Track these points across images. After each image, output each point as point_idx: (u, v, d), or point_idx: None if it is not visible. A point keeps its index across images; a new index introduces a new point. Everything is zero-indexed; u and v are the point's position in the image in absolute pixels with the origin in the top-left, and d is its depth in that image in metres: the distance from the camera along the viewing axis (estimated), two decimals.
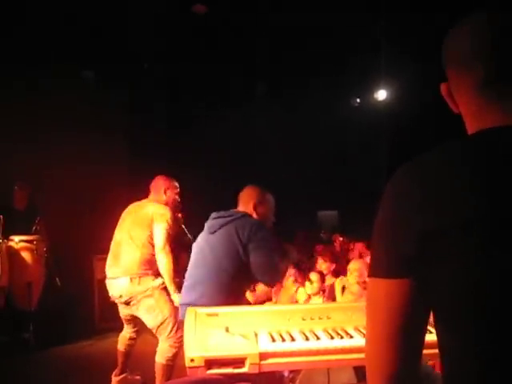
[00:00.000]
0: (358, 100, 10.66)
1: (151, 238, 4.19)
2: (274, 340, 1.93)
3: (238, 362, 1.81)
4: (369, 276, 1.10)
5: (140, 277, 4.17)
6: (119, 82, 7.56)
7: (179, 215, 4.70)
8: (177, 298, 4.06)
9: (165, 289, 4.22)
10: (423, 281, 1.03)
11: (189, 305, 3.07)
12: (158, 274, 4.23)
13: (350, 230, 9.67)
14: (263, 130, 9.45)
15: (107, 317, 6.05)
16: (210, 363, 1.79)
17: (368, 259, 5.91)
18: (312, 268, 5.74)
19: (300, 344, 1.91)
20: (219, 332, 1.91)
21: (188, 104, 8.95)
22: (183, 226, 4.72)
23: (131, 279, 4.16)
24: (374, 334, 1.08)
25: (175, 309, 4.14)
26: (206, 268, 3.16)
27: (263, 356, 1.82)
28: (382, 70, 9.85)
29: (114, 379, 4.62)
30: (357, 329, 2.06)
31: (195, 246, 3.40)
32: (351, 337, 1.97)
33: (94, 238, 6.14)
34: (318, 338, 1.95)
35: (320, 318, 2.13)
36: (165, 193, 4.42)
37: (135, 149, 7.80)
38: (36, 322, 6.00)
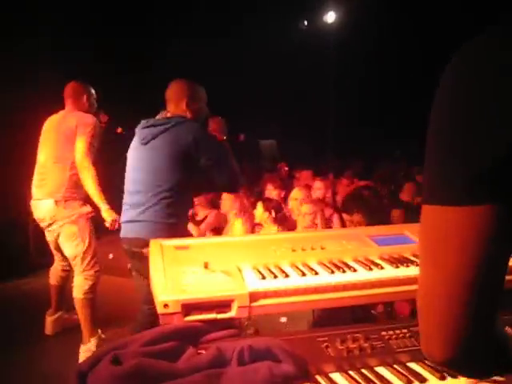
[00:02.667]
0: (306, 23, 10.16)
1: None
2: (263, 277, 1.56)
3: (223, 305, 1.45)
4: (430, 203, 0.74)
5: (66, 200, 3.85)
6: None
7: (105, 118, 4.40)
8: (107, 212, 3.81)
9: (91, 219, 3.96)
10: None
11: (129, 222, 2.92)
12: (86, 201, 3.93)
13: (291, 160, 9.52)
14: (211, 52, 8.87)
15: (43, 251, 5.58)
16: (189, 308, 1.42)
17: (317, 184, 5.69)
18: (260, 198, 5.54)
19: (296, 280, 1.56)
20: (196, 269, 1.53)
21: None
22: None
23: (56, 202, 3.84)
24: (438, 284, 0.75)
25: (95, 243, 3.96)
26: (143, 183, 2.89)
27: (253, 296, 1.47)
28: None
29: (49, 319, 4.36)
30: (357, 260, 1.73)
31: (129, 159, 3.09)
32: (354, 270, 1.64)
33: (24, 166, 5.57)
34: (315, 273, 1.61)
35: (313, 249, 1.78)
36: (87, 99, 4.06)
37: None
38: None
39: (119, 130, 4.39)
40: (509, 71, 0.67)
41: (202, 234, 5.04)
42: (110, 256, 5.36)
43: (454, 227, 0.73)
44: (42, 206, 3.91)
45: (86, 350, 3.79)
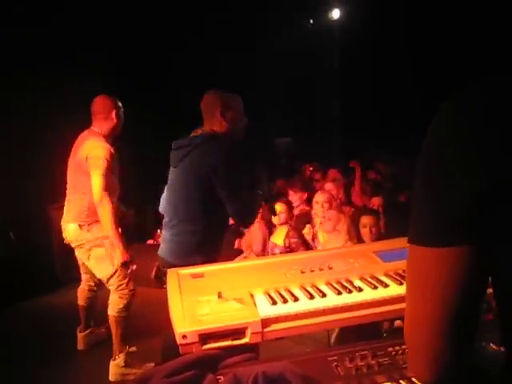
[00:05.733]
0: (312, 21, 10.23)
1: None
2: (274, 302, 1.67)
3: (238, 332, 1.56)
4: (412, 243, 0.87)
5: (89, 224, 3.91)
6: None
7: None
8: (121, 253, 3.78)
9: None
10: (485, 247, 0.81)
11: (164, 241, 3.06)
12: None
13: (305, 158, 9.53)
14: (215, 52, 8.93)
15: (69, 267, 5.72)
16: (205, 337, 1.53)
17: (328, 186, 5.77)
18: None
19: (304, 304, 1.66)
20: (210, 298, 1.64)
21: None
22: None
23: (80, 226, 3.94)
24: (420, 316, 0.87)
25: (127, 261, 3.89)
26: (173, 207, 2.97)
27: (265, 323, 1.58)
28: None
29: (80, 335, 4.50)
30: (363, 278, 1.83)
31: (169, 182, 3.14)
32: (360, 290, 1.73)
33: (48, 184, 5.70)
34: (323, 295, 1.71)
35: (321, 269, 1.88)
36: (116, 114, 3.98)
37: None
38: None
39: None
40: (472, 134, 0.78)
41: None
42: (134, 267, 5.50)
43: (433, 267, 0.84)
44: (69, 229, 4.03)
45: (115, 365, 3.94)
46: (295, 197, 5.51)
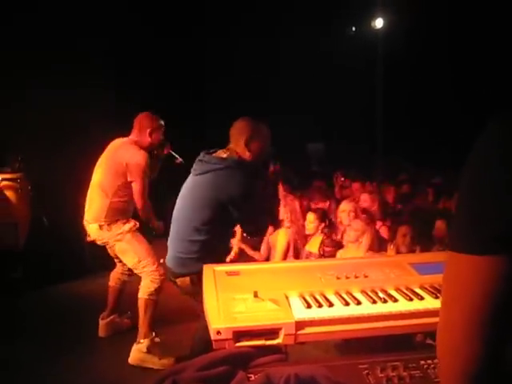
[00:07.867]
0: (354, 29, 10.21)
1: (123, 186, 4.13)
2: (309, 305, 1.68)
3: (271, 332, 1.57)
4: (452, 250, 0.88)
5: (109, 224, 4.17)
6: None
7: (165, 152, 4.53)
8: (153, 225, 4.34)
9: (138, 230, 4.25)
10: None
11: (173, 255, 3.07)
12: (128, 219, 4.25)
13: (337, 163, 9.47)
14: (258, 58, 8.99)
15: (98, 255, 5.82)
16: (239, 335, 1.54)
17: (364, 197, 5.72)
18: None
19: (339, 310, 1.66)
20: (246, 297, 1.66)
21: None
22: (171, 152, 4.56)
23: (100, 226, 4.18)
24: (455, 321, 0.88)
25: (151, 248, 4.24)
26: (183, 217, 3.01)
27: (299, 325, 1.58)
28: None
29: (102, 322, 4.57)
30: (399, 289, 1.82)
31: (183, 188, 3.17)
32: (395, 300, 1.73)
33: (81, 174, 5.82)
34: (358, 303, 1.71)
35: (356, 277, 1.88)
36: (150, 135, 4.25)
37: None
38: (24, 262, 5.81)
39: (178, 160, 4.47)
40: None
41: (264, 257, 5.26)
42: (161, 261, 5.59)
43: (472, 274, 0.85)
44: (90, 228, 4.29)
45: (137, 349, 3.98)
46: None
